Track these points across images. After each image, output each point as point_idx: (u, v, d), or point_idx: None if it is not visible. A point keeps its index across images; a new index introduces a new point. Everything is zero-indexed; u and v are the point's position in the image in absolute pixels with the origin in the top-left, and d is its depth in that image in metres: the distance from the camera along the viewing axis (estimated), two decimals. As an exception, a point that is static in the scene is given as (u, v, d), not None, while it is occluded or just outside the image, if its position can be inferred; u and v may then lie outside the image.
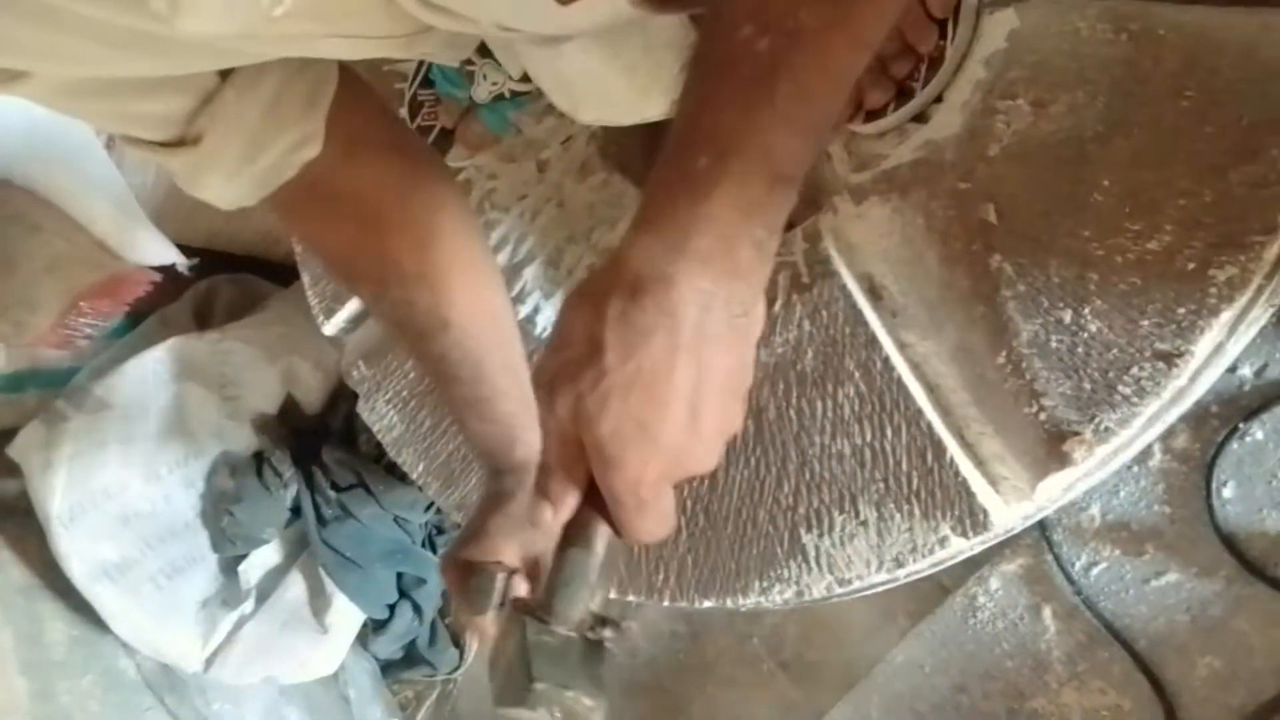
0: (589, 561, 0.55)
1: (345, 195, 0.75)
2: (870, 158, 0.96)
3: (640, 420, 0.50)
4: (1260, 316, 0.78)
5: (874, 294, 0.92)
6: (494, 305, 0.81)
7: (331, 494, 1.55)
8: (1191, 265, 0.77)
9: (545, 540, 0.57)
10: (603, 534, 0.55)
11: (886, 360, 0.90)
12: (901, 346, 0.90)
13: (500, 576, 0.70)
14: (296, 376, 1.61)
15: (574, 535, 0.56)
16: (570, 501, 0.55)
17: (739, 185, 0.50)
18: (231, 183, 0.70)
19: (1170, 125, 0.79)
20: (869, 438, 0.90)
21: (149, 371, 1.50)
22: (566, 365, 0.52)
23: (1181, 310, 0.77)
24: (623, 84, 0.85)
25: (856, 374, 0.91)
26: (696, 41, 0.53)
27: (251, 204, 0.73)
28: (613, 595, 1.01)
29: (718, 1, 0.52)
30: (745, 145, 0.50)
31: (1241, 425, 1.00)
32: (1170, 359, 0.77)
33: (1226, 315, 0.76)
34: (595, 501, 0.54)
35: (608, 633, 0.57)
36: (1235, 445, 1.01)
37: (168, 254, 1.56)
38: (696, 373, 0.50)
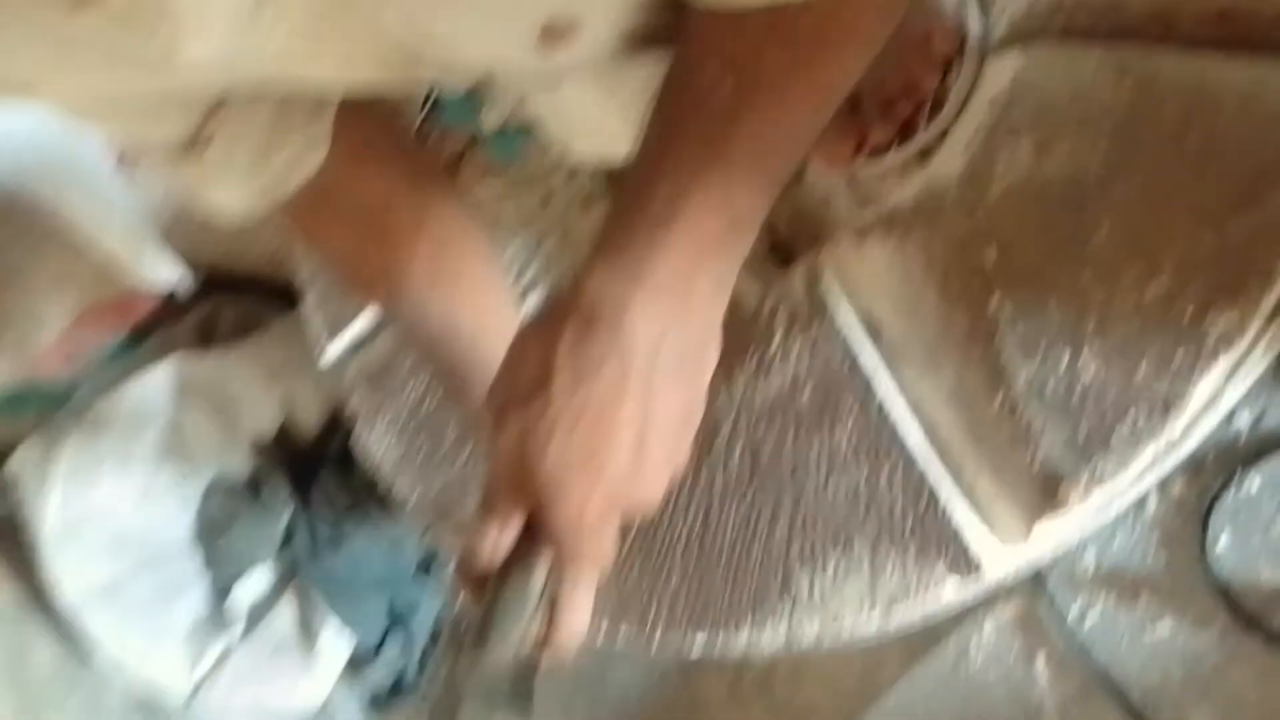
0: (527, 586, 0.55)
1: (355, 202, 0.75)
2: (872, 196, 0.97)
3: (586, 450, 0.50)
4: (1258, 364, 0.78)
5: (873, 332, 0.92)
6: (503, 311, 0.82)
7: (326, 519, 1.54)
8: (1189, 310, 0.77)
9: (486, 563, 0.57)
10: (544, 561, 0.55)
11: (884, 399, 0.90)
12: (899, 386, 0.90)
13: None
14: (296, 400, 1.61)
15: (515, 560, 0.55)
16: (514, 526, 0.55)
17: (697, 222, 0.50)
18: (240, 190, 0.70)
19: (1171, 171, 0.80)
20: (864, 476, 0.90)
21: (149, 390, 1.50)
22: (516, 390, 0.52)
23: (1179, 356, 0.77)
24: (617, 122, 0.86)
25: (854, 412, 0.91)
26: (663, 76, 0.53)
27: (260, 213, 0.73)
28: (604, 627, 1.01)
29: (685, 39, 0.52)
30: (704, 183, 0.50)
31: (1238, 474, 1.00)
32: (1167, 404, 0.77)
33: (1224, 362, 0.76)
34: (539, 528, 0.54)
35: (540, 656, 0.57)
36: (1231, 495, 1.00)
37: (174, 274, 1.57)
38: (645, 405, 0.50)
